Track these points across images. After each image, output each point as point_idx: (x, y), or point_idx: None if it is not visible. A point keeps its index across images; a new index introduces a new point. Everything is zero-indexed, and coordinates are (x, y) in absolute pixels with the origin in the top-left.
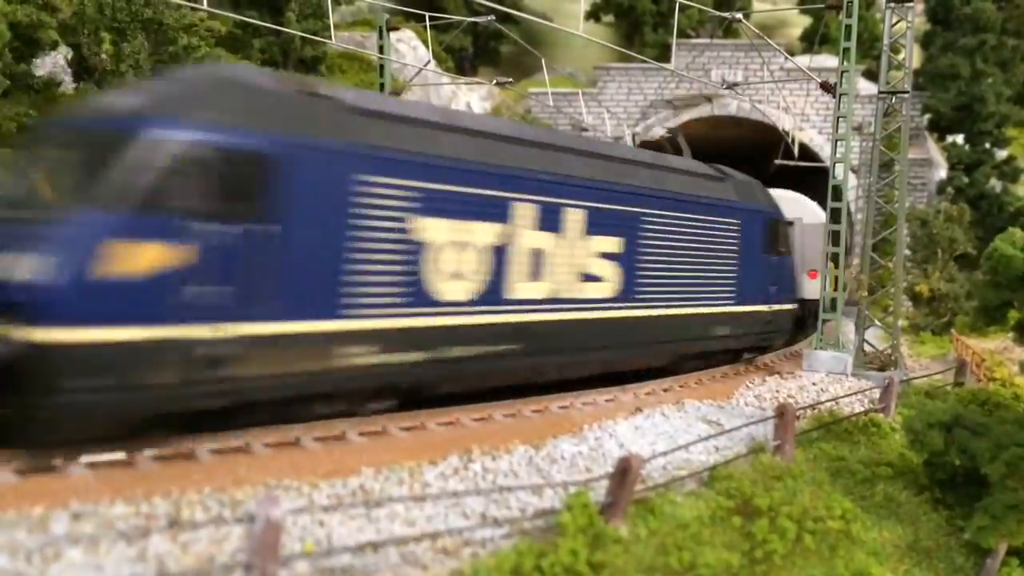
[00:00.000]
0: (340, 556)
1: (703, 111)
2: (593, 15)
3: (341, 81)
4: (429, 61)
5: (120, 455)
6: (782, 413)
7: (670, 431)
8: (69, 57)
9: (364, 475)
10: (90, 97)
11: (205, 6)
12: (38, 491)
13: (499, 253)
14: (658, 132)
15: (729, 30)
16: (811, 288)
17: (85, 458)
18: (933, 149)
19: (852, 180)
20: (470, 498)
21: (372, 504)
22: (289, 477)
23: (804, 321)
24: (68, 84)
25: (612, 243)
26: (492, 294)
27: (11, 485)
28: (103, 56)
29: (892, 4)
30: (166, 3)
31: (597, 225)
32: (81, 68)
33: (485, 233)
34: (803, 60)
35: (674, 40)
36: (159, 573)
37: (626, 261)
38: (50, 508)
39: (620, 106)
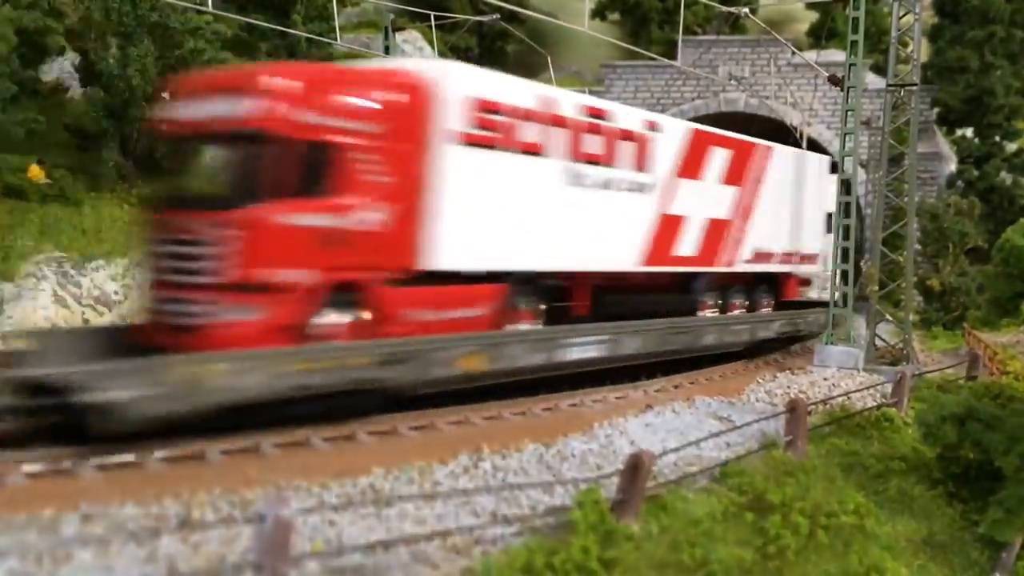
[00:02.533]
0: (350, 555)
1: (710, 107)
2: (599, 13)
3: None
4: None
5: (130, 457)
6: (793, 408)
7: (681, 427)
8: (76, 62)
9: (374, 474)
10: None
11: (211, 9)
12: (48, 493)
13: None
14: None
15: (736, 26)
16: None
17: (95, 460)
18: (942, 143)
19: (861, 174)
20: (480, 496)
21: (382, 503)
22: (299, 477)
23: None
24: (76, 89)
25: None
26: None
27: (21, 487)
28: (110, 60)
29: None
30: (172, 7)
31: None
32: (88, 73)
33: None
34: (810, 55)
35: (680, 37)
36: (169, 574)
37: None
38: (60, 510)
39: (627, 104)
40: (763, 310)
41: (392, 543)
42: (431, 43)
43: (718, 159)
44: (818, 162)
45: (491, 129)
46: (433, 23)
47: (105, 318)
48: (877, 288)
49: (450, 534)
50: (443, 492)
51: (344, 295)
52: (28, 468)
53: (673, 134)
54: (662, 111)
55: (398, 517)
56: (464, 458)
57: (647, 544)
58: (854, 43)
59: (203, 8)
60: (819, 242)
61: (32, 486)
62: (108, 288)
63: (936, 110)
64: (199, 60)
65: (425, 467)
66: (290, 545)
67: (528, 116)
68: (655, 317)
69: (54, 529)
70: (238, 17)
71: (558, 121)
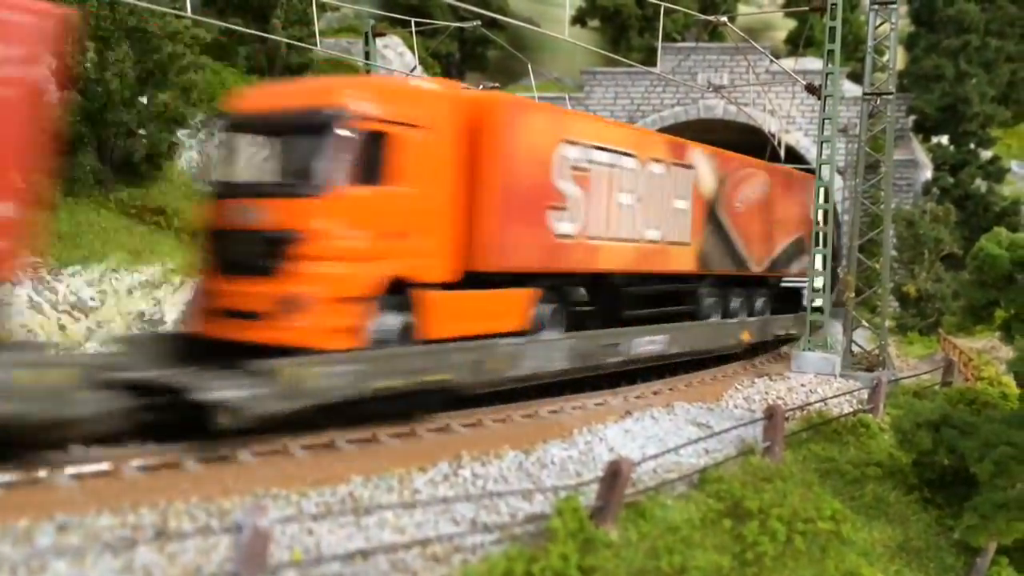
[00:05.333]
0: (329, 564)
1: (689, 114)
2: (579, 20)
3: None
4: (415, 67)
5: (105, 466)
6: (771, 415)
7: (660, 434)
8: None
9: (353, 483)
10: None
11: (190, 13)
12: (23, 503)
13: None
14: None
15: (714, 33)
16: None
17: (70, 469)
18: (918, 150)
19: (838, 182)
20: (460, 504)
21: (361, 512)
22: (277, 486)
23: None
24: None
25: None
26: None
27: None
28: (87, 65)
29: (876, 6)
30: (151, 11)
31: None
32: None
33: None
34: (788, 63)
35: (660, 44)
36: None
37: None
38: (35, 520)
39: (607, 110)
40: None
41: (371, 552)
42: (412, 48)
43: None
44: None
45: None
46: (414, 29)
47: (81, 324)
48: (854, 295)
49: (430, 542)
50: (423, 500)
51: None
52: (2, 478)
53: None
54: (642, 117)
55: (377, 526)
56: (444, 466)
57: (626, 551)
58: (831, 52)
59: (182, 13)
60: None
61: (6, 496)
62: (84, 294)
63: (912, 118)
64: (177, 64)
65: (405, 475)
66: (268, 555)
67: None
68: None
69: (29, 539)
70: (217, 22)
71: None
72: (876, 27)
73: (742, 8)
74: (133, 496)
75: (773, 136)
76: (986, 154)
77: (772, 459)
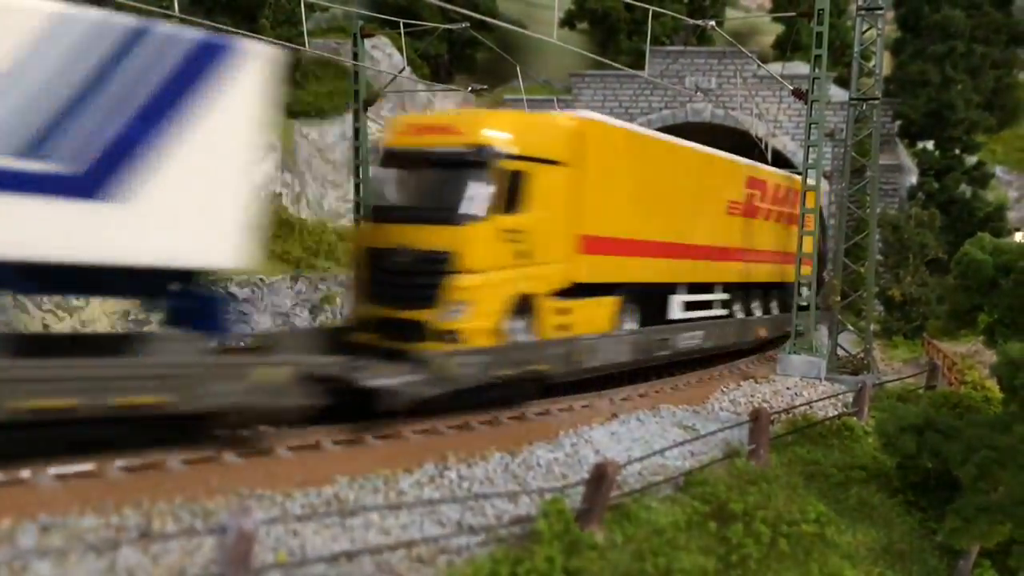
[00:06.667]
0: (314, 566)
1: (677, 117)
2: (567, 22)
3: (316, 88)
4: (404, 68)
5: (89, 466)
6: (757, 417)
7: (646, 436)
8: None
9: (338, 484)
10: None
11: (177, 13)
12: (6, 504)
13: None
14: None
15: (703, 37)
16: None
17: (53, 469)
18: (904, 155)
19: (825, 186)
20: (446, 506)
21: (346, 513)
22: (262, 487)
23: None
24: None
25: None
26: None
27: None
28: None
29: (862, 12)
30: (137, 10)
31: None
32: None
33: None
34: (775, 67)
35: (648, 47)
36: None
37: None
38: (18, 521)
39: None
40: None
41: (356, 554)
42: (400, 49)
43: None
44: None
45: None
46: (402, 30)
47: (65, 323)
48: (839, 298)
49: (415, 544)
50: (408, 502)
51: None
52: None
53: None
54: (631, 120)
55: (363, 527)
56: (430, 467)
57: (611, 553)
58: (818, 57)
59: (170, 12)
60: None
61: None
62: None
63: (898, 123)
64: None
65: (390, 476)
66: (252, 556)
67: None
68: None
69: (11, 540)
70: (205, 21)
71: None
72: (863, 32)
73: (730, 12)
74: (117, 496)
75: (760, 140)
76: (971, 159)
77: (757, 462)
